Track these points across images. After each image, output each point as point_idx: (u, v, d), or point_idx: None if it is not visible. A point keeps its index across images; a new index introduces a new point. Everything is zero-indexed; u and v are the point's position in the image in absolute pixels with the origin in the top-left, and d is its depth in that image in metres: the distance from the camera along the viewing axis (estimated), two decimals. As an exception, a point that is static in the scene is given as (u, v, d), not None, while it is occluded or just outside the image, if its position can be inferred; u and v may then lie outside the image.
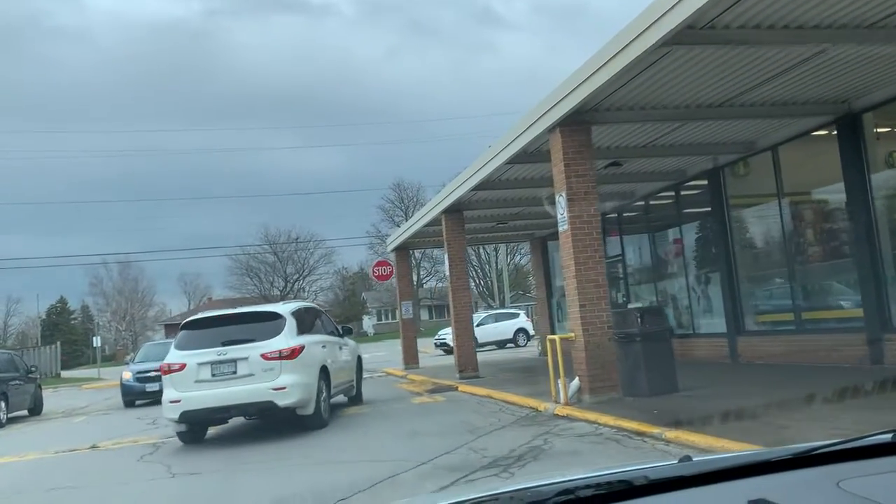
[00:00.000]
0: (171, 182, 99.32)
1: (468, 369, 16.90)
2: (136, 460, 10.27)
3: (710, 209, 15.36)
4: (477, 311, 37.73)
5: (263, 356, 10.41)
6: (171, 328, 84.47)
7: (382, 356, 33.18)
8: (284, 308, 11.47)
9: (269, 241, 72.34)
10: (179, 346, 10.85)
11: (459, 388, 15.14)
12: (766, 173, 13.73)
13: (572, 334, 10.57)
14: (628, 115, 10.82)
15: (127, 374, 20.48)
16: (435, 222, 19.07)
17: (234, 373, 10.39)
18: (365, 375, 20.89)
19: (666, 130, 12.35)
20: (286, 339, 10.70)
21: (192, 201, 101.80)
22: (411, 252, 25.15)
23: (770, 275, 14.20)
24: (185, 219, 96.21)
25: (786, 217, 13.32)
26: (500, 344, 33.86)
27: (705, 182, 15.37)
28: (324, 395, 11.33)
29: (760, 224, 14.50)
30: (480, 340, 29.26)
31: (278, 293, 72.56)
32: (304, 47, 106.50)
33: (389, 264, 24.50)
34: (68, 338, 76.46)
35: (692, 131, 12.68)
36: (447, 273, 17.18)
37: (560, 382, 10.46)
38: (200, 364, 10.43)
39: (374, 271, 25.00)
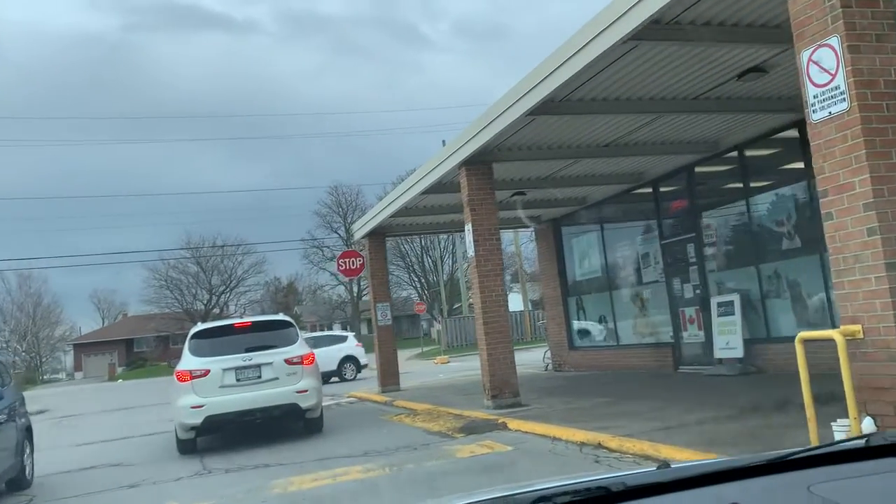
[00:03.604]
0: (89, 197, 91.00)
1: (505, 394, 11.37)
2: None
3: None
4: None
5: (287, 361, 10.81)
6: (82, 348, 76.27)
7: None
8: (288, 318, 12.11)
9: (191, 246, 64.90)
10: (197, 353, 10.90)
11: (510, 425, 9.63)
12: None
13: (857, 327, 5.21)
14: None
15: None
16: (438, 187, 13.55)
17: (259, 377, 10.69)
18: (327, 401, 15.59)
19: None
20: (302, 345, 11.29)
21: (112, 217, 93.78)
22: (388, 239, 19.43)
23: None
24: (104, 236, 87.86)
25: None
26: (323, 377, 25.18)
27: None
28: None
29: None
30: None
31: (202, 307, 65.36)
32: (229, 63, 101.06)
33: (360, 256, 18.73)
34: (-38, 361, 67.93)
35: None
36: (470, 252, 11.65)
37: (849, 424, 5.06)
38: (225, 369, 10.62)
39: (339, 264, 19.11)
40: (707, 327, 13.57)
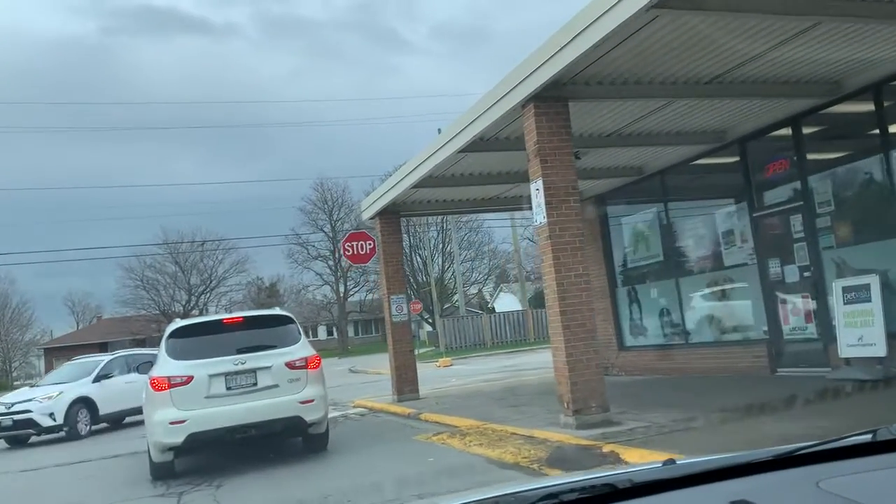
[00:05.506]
0: (69, 201, 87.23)
1: (591, 408, 8.40)
2: None
3: None
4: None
5: (288, 365, 9.16)
6: (54, 352, 72.40)
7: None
8: (287, 313, 10.37)
9: (168, 243, 61.40)
10: (177, 356, 9.13)
11: (626, 458, 6.68)
12: None
13: None
14: None
15: None
16: (480, 143, 10.66)
17: (255, 385, 8.99)
18: (331, 412, 12.76)
19: None
20: (305, 346, 9.57)
21: (90, 209, 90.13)
22: (405, 220, 16.46)
23: None
24: (79, 236, 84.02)
25: None
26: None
27: None
28: None
29: None
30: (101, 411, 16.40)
31: (181, 308, 61.92)
32: (207, 65, 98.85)
33: (371, 238, 15.67)
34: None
35: None
36: (540, 219, 8.69)
37: None
38: (213, 376, 8.89)
39: (345, 249, 15.93)
40: (821, 319, 10.74)
